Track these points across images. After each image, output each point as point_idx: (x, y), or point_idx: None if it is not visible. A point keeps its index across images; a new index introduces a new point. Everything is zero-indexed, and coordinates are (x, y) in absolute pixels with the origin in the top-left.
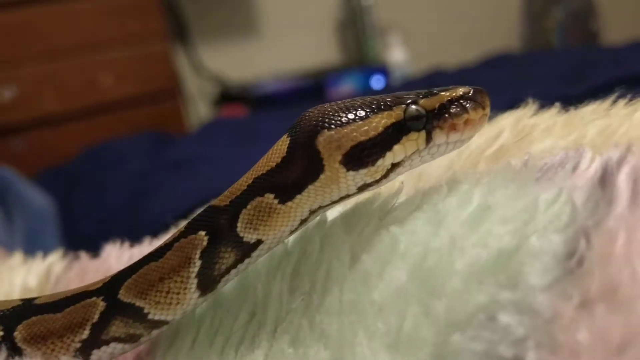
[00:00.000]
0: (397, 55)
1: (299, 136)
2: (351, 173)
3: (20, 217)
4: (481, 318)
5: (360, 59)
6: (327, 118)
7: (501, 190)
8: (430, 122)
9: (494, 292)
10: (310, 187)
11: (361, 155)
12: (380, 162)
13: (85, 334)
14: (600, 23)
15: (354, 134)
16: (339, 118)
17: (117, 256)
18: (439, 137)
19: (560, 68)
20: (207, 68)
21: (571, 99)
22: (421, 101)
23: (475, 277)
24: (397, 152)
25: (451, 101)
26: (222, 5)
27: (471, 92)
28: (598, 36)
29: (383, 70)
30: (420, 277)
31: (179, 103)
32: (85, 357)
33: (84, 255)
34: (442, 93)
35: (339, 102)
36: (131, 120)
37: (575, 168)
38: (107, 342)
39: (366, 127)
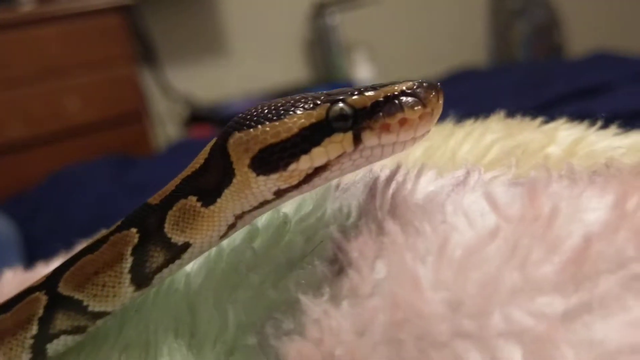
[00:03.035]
0: (364, 72)
1: (218, 137)
2: (261, 178)
3: None
4: (263, 317)
5: (328, 76)
6: (245, 118)
7: (305, 206)
8: (360, 122)
9: (277, 295)
10: (227, 191)
11: (270, 158)
12: (293, 166)
13: (34, 329)
14: (564, 35)
15: (264, 136)
16: (256, 118)
17: (9, 281)
18: (369, 139)
19: (521, 81)
20: (176, 89)
21: (527, 111)
22: (350, 99)
23: (270, 283)
24: (316, 156)
25: (388, 98)
26: (189, 26)
27: (415, 87)
28: (562, 48)
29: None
30: (226, 287)
31: (146, 125)
32: (41, 352)
33: None
34: (380, 88)
35: (275, 100)
36: (98, 144)
37: (366, 186)
38: (56, 336)
39: (279, 129)
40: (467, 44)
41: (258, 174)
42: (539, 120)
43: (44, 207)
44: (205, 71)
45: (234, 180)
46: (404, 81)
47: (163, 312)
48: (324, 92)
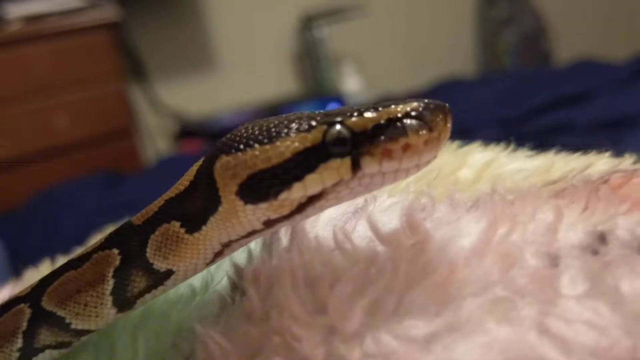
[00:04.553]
0: (352, 84)
1: (205, 159)
2: (250, 207)
3: None
4: (169, 344)
5: (317, 89)
6: (234, 140)
7: None
8: (359, 146)
9: (182, 322)
10: (212, 218)
11: (260, 186)
12: (284, 195)
13: (19, 342)
14: (551, 43)
15: (253, 160)
16: (245, 140)
17: None
18: (369, 165)
19: (506, 90)
20: (165, 104)
21: (511, 121)
22: (349, 121)
23: (177, 311)
24: (310, 184)
25: (391, 120)
26: (178, 41)
27: (420, 109)
28: (550, 56)
29: (338, 99)
30: (141, 316)
31: (135, 141)
32: None
33: None
34: (382, 110)
35: (268, 119)
36: (87, 161)
37: None
38: (41, 350)
39: (270, 153)
40: (455, 54)
41: (246, 203)
42: (456, 143)
43: (33, 225)
44: (194, 85)
45: (220, 208)
46: (408, 101)
47: (88, 341)
48: (322, 111)
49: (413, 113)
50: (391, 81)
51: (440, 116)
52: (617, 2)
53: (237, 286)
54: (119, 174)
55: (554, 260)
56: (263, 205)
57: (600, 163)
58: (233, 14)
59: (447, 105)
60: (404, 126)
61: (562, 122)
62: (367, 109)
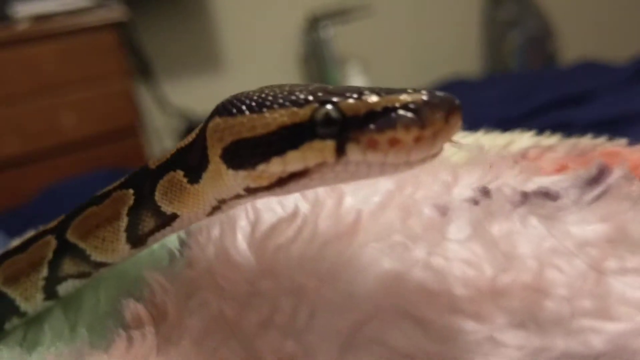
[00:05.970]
0: (358, 85)
1: (209, 115)
2: (231, 172)
3: None
4: (125, 291)
5: None
6: (231, 103)
7: None
8: (347, 131)
9: (136, 273)
10: (204, 175)
11: (241, 153)
12: (262, 167)
13: (45, 271)
14: (557, 45)
15: (239, 127)
16: (239, 105)
17: None
18: (353, 152)
19: (509, 90)
20: (172, 104)
21: (510, 121)
22: (343, 102)
23: (133, 265)
24: (290, 160)
25: (387, 110)
26: (185, 40)
27: (421, 102)
28: (555, 57)
29: None
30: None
31: (141, 140)
32: (53, 293)
33: None
34: (382, 96)
35: (273, 86)
36: (94, 159)
37: None
38: (65, 279)
39: (256, 123)
40: (460, 56)
41: (228, 167)
42: None
43: (38, 221)
44: (201, 85)
45: (209, 167)
46: (415, 91)
47: None
48: (331, 87)
49: (412, 105)
50: (397, 82)
51: (440, 113)
52: (621, 4)
53: (184, 242)
54: (125, 171)
55: (444, 211)
56: (242, 173)
57: (522, 140)
58: (240, 14)
59: (455, 100)
60: (396, 118)
61: (562, 121)
62: (371, 93)
